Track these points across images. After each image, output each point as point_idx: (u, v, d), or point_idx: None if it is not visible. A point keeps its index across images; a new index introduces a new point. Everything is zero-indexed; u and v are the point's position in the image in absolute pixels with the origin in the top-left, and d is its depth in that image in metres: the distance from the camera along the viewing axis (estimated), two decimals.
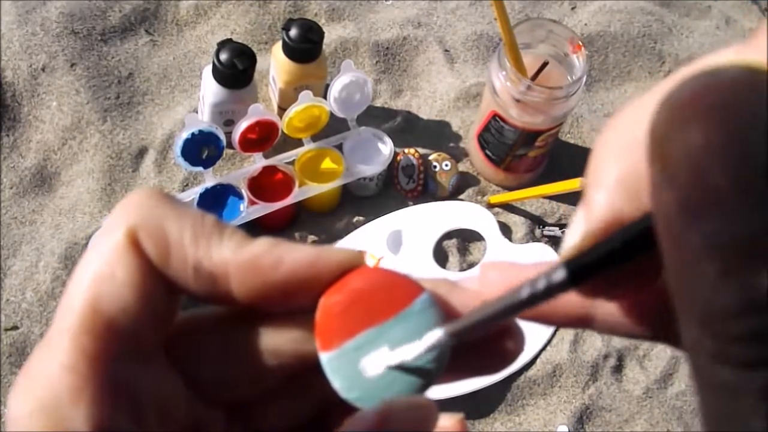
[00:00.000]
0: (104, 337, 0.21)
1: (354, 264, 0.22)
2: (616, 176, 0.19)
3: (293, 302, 0.22)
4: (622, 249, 0.18)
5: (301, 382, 0.24)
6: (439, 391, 0.74)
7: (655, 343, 0.23)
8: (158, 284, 0.22)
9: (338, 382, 0.22)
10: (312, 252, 0.22)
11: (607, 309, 0.23)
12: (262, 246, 0.22)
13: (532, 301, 0.20)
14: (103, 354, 0.21)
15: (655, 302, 0.22)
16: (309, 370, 0.23)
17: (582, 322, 0.23)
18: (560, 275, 0.19)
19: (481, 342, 0.23)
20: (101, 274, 0.21)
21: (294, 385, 0.24)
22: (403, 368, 0.22)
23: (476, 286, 0.23)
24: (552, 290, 0.20)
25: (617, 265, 0.19)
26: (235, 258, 0.21)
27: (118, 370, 0.21)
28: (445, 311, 0.23)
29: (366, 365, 0.22)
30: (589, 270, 0.19)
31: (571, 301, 0.22)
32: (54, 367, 0.20)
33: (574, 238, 0.20)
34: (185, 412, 0.23)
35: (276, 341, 0.23)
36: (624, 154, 0.19)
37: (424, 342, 0.22)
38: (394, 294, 0.22)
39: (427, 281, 0.23)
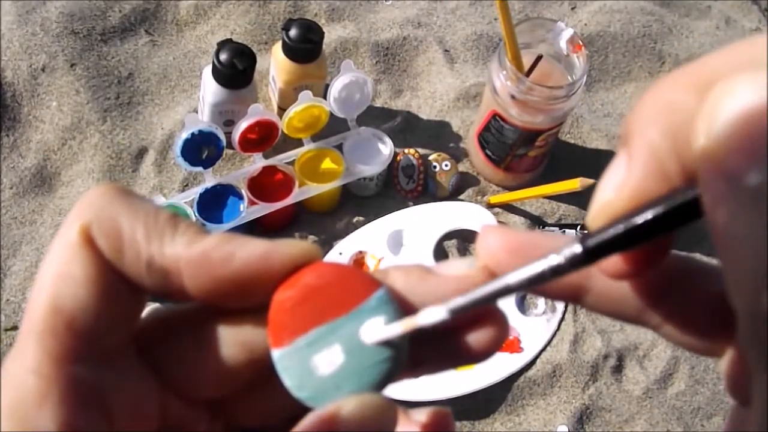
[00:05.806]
0: (66, 337, 0.20)
1: (308, 258, 0.22)
2: (663, 129, 0.18)
3: (249, 298, 0.22)
4: (651, 225, 0.18)
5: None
6: (438, 392, 0.74)
7: (634, 324, 0.22)
8: (116, 281, 0.21)
9: (289, 380, 0.21)
10: (264, 246, 0.21)
11: (604, 282, 0.21)
12: (214, 241, 0.21)
13: (543, 278, 0.19)
14: (67, 354, 0.20)
15: (654, 278, 0.21)
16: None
17: (575, 294, 0.22)
18: (577, 250, 0.19)
19: (454, 330, 0.22)
20: (58, 273, 0.21)
21: (275, 380, 0.24)
22: (357, 365, 0.21)
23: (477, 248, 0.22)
24: (568, 267, 0.19)
25: (644, 240, 0.18)
26: (187, 253, 0.21)
27: (83, 371, 0.21)
28: (403, 306, 0.21)
29: (318, 363, 0.21)
30: (612, 246, 0.19)
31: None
32: (20, 369, 0.20)
33: (610, 188, 0.19)
34: (160, 411, 0.23)
35: (245, 336, 0.22)
36: (666, 112, 0.18)
37: (422, 318, 0.21)
38: (349, 289, 0.21)
39: (399, 268, 0.22)
